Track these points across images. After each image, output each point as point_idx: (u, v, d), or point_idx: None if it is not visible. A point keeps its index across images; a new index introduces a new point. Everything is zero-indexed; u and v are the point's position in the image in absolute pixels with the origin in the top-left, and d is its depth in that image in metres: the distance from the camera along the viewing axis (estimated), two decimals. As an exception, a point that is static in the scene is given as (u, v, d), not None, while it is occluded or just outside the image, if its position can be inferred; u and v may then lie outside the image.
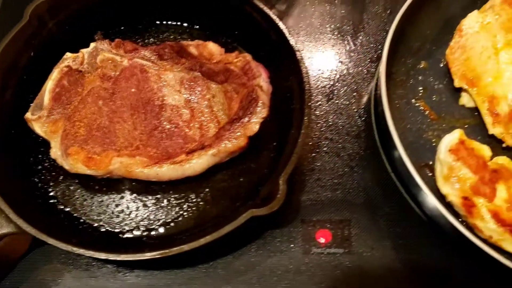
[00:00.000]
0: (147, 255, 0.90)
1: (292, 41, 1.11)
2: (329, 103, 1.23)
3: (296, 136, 1.01)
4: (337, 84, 1.26)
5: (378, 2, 1.38)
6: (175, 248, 0.90)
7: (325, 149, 1.17)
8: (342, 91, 1.25)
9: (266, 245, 1.05)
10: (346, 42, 1.32)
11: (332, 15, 1.36)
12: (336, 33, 1.34)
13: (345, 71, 1.28)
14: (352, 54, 1.31)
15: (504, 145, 1.12)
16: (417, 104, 1.19)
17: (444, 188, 1.03)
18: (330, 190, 1.12)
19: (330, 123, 1.20)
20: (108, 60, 1.12)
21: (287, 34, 1.12)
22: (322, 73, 1.28)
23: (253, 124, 1.01)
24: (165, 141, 1.05)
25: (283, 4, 1.40)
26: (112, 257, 0.90)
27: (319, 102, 1.24)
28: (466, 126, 1.17)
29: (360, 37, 1.33)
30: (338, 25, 1.35)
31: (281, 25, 1.13)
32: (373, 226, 1.08)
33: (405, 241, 1.07)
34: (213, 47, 1.12)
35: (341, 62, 1.29)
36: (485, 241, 1.00)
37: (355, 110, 1.22)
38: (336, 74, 1.27)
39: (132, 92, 1.08)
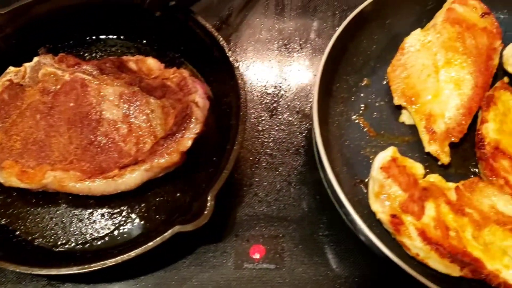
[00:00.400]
0: (72, 270, 0.91)
1: (231, 58, 1.13)
2: (272, 118, 1.25)
3: (229, 153, 1.02)
4: (281, 100, 1.28)
5: (326, 20, 1.40)
6: (98, 263, 0.91)
7: (264, 164, 1.18)
8: (285, 107, 1.26)
9: (199, 260, 1.06)
10: (292, 59, 1.34)
11: (280, 31, 1.38)
12: (283, 49, 1.36)
13: (289, 88, 1.30)
14: (297, 71, 1.33)
15: (439, 162, 1.14)
16: (357, 121, 1.21)
17: (374, 205, 1.04)
18: (266, 205, 1.13)
19: (272, 139, 1.22)
20: (50, 75, 1.14)
21: (227, 51, 1.14)
22: (267, 89, 1.29)
23: (186, 139, 1.02)
24: (99, 155, 1.06)
25: (235, 19, 1.42)
26: (35, 271, 0.90)
27: (262, 118, 1.25)
28: (405, 143, 1.18)
29: (306, 54, 1.35)
30: (285, 41, 1.37)
31: (221, 41, 1.15)
32: (307, 241, 1.09)
33: (338, 257, 1.08)
34: (152, 63, 1.14)
35: (285, 78, 1.31)
36: (413, 258, 1.02)
37: (297, 126, 1.24)
38: (280, 90, 1.29)
39: (70, 107, 1.09)
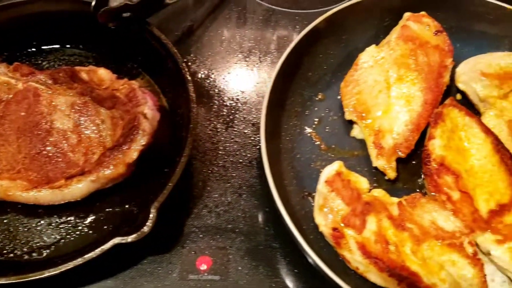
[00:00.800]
0: (9, 279, 0.92)
1: (184, 70, 1.14)
2: (228, 131, 1.26)
3: (176, 166, 1.04)
4: (237, 112, 1.29)
5: (287, 34, 1.42)
6: (36, 273, 0.92)
7: (217, 176, 1.19)
8: (241, 119, 1.28)
9: (143, 270, 1.06)
10: (251, 72, 1.36)
11: (240, 44, 1.40)
12: (242, 62, 1.37)
13: (247, 100, 1.31)
14: (255, 84, 1.34)
15: (386, 177, 1.15)
16: (309, 135, 1.22)
17: (318, 218, 1.06)
18: (215, 217, 1.14)
19: (226, 151, 1.23)
20: (3, 83, 1.14)
21: (180, 63, 1.15)
22: (224, 102, 1.31)
23: (132, 151, 1.04)
24: (47, 165, 1.06)
25: (196, 31, 1.43)
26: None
27: (218, 130, 1.26)
28: (355, 157, 1.20)
29: (266, 68, 1.37)
30: (245, 54, 1.39)
31: (176, 53, 1.17)
32: (253, 253, 1.09)
33: (283, 269, 1.09)
34: (103, 73, 1.15)
35: (243, 91, 1.32)
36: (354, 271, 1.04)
37: (252, 138, 1.25)
38: (238, 102, 1.31)
39: (21, 116, 1.10)
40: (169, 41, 1.18)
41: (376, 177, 1.17)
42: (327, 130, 1.24)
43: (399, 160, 1.17)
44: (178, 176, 1.02)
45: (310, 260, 0.99)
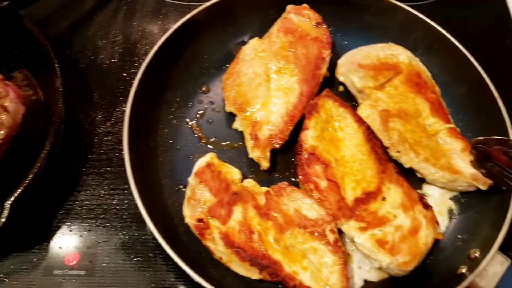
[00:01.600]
0: None
1: (54, 61, 1.13)
2: (106, 124, 1.24)
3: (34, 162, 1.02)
4: (117, 106, 1.27)
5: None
6: None
7: (91, 170, 1.17)
8: (121, 112, 1.25)
9: (6, 267, 1.03)
10: (134, 64, 1.34)
11: (127, 36, 1.38)
12: (127, 55, 1.35)
13: (128, 93, 1.27)
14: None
15: (261, 168, 1.16)
16: (191, 127, 1.22)
17: (185, 210, 1.06)
18: (86, 211, 1.12)
19: (103, 144, 1.21)
20: None
21: (50, 54, 1.13)
22: (104, 95, 1.28)
23: (-11, 145, 1.00)
24: None
25: (82, 23, 1.40)
26: None
27: (96, 123, 1.24)
28: (234, 149, 1.21)
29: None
30: (130, 46, 1.37)
31: (46, 45, 1.15)
32: (122, 248, 1.08)
33: (151, 263, 1.07)
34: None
35: (125, 83, 1.30)
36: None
37: (131, 131, 1.24)
38: (119, 95, 1.29)
39: None
40: (41, 34, 1.16)
41: (254, 168, 1.18)
42: (209, 122, 1.24)
43: (278, 151, 1.19)
44: (35, 172, 1.00)
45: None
